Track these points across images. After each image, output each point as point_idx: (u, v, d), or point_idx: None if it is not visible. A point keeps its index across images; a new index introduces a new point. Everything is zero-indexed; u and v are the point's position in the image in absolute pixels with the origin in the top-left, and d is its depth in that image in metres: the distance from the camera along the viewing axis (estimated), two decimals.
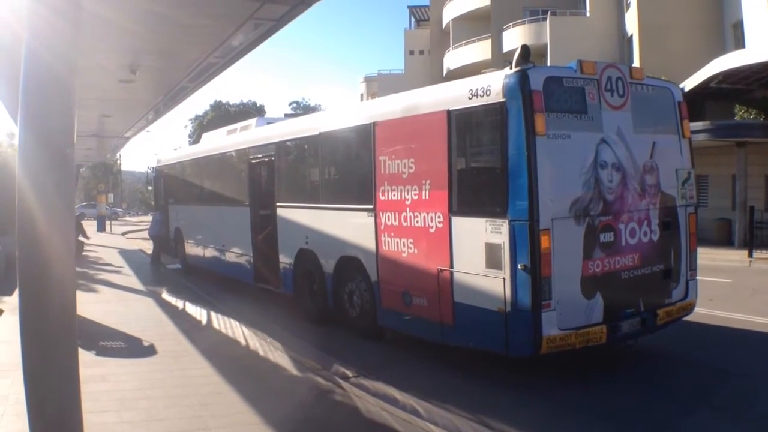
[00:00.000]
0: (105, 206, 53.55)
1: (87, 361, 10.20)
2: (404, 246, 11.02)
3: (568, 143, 9.20)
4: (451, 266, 9.98)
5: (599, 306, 9.42)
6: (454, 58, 54.66)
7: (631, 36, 41.09)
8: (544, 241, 8.80)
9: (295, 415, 7.98)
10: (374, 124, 11.75)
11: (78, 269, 21.56)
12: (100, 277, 20.86)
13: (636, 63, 39.19)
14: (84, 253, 27.83)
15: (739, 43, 35.95)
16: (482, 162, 10.18)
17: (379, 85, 68.01)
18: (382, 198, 11.47)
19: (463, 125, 9.98)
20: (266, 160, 16.20)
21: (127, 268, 23.53)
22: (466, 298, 9.76)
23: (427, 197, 10.49)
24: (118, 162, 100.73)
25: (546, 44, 44.56)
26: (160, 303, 15.97)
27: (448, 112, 10.00)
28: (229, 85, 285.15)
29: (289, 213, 14.96)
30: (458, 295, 9.90)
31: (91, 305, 15.21)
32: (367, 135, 11.90)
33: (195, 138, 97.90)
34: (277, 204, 15.41)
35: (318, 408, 8.28)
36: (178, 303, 15.93)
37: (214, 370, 9.88)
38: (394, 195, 11.20)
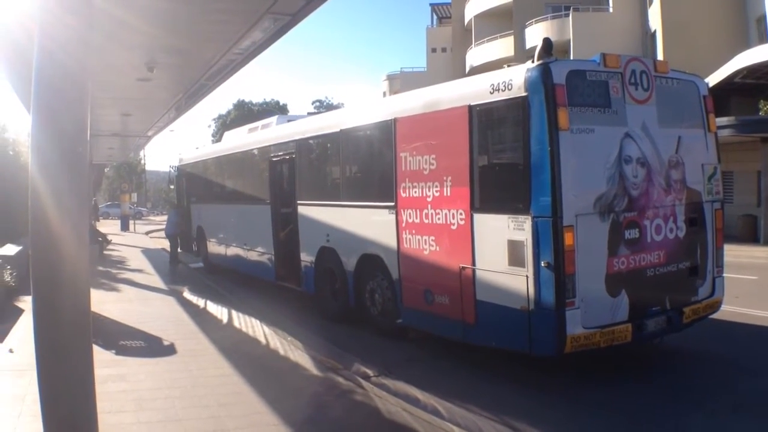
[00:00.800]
0: (129, 205, 53.77)
1: (106, 360, 10.21)
2: (426, 243, 10.86)
3: (592, 138, 9.03)
4: (473, 264, 9.81)
5: (624, 304, 9.23)
6: (477, 55, 54.42)
7: (655, 32, 40.66)
8: (568, 238, 8.62)
9: (314, 415, 7.88)
10: (395, 120, 11.60)
11: (100, 268, 21.76)
12: (122, 276, 20.85)
13: (660, 58, 38.83)
14: (106, 252, 27.91)
15: (763, 38, 35.57)
16: (504, 158, 10.00)
17: (401, 83, 67.84)
18: (404, 195, 11.34)
19: (484, 120, 9.81)
20: (287, 158, 16.12)
21: (149, 267, 23.51)
22: (488, 297, 9.60)
23: (448, 194, 10.32)
24: (142, 162, 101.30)
25: (569, 40, 44.25)
26: (182, 302, 15.91)
27: (470, 107, 9.83)
28: (252, 85, 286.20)
29: (310, 211, 14.90)
30: (480, 294, 9.74)
31: (112, 304, 15.20)
32: (387, 131, 11.78)
33: (218, 137, 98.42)
34: (298, 202, 15.35)
35: (338, 408, 8.16)
36: (200, 302, 15.87)
37: (233, 369, 9.79)
38: (415, 192, 11.06)
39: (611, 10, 45.25)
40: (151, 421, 7.58)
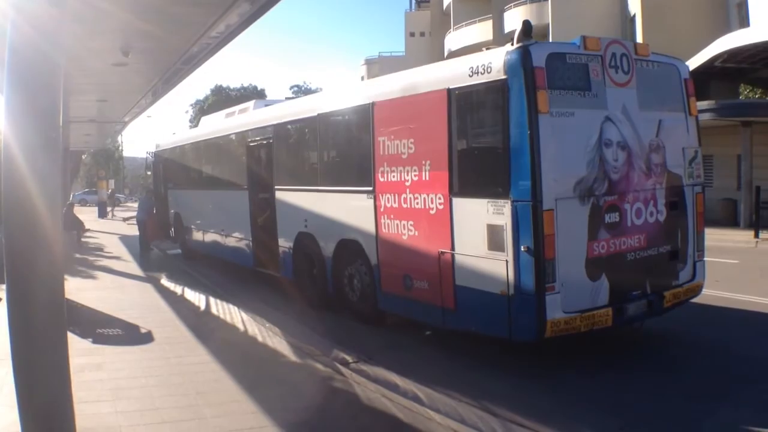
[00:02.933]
0: (106, 192, 53.31)
1: (83, 348, 10.10)
2: (404, 228, 10.80)
3: (572, 121, 8.95)
4: (453, 248, 9.76)
5: (605, 288, 9.19)
6: (456, 39, 54.34)
7: (634, 15, 40.67)
8: (548, 222, 8.56)
9: (293, 403, 7.80)
10: (373, 104, 11.49)
11: (77, 256, 21.65)
12: (99, 263, 20.71)
13: (640, 42, 38.80)
14: (83, 240, 27.67)
15: (744, 22, 35.69)
16: (484, 141, 9.90)
17: (380, 68, 67.77)
18: (382, 179, 11.24)
19: (463, 104, 9.72)
20: (264, 143, 15.99)
21: (126, 254, 23.40)
22: (467, 282, 9.53)
23: (427, 178, 10.24)
24: (120, 148, 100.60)
25: (548, 25, 44.23)
26: (159, 289, 15.80)
27: (449, 90, 9.74)
28: (230, 70, 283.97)
29: (288, 196, 14.75)
30: (460, 278, 9.67)
31: (89, 292, 15.08)
32: (365, 115, 11.66)
33: (195, 123, 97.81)
34: (276, 187, 15.18)
35: (317, 395, 8.08)
36: (177, 289, 15.77)
37: (211, 357, 9.69)
38: (393, 176, 10.97)
39: None
40: (128, 411, 7.48)
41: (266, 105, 17.39)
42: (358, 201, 11.87)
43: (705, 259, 10.86)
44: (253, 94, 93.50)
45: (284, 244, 14.94)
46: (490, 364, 9.60)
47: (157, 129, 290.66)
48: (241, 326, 11.80)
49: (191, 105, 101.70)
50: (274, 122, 15.42)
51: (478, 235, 9.24)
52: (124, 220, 45.38)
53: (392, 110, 11.13)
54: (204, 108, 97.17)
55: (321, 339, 10.81)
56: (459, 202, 9.67)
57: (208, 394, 8.01)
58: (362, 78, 72.59)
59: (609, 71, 9.38)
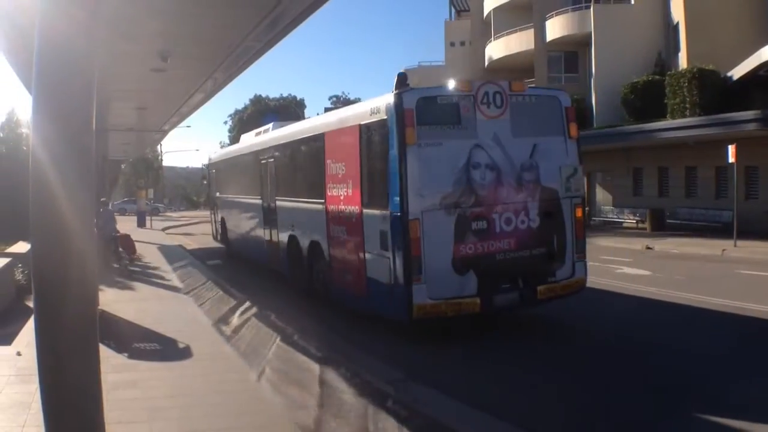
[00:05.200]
0: (145, 201, 53.37)
1: (118, 364, 9.79)
2: (341, 233, 13.63)
3: (440, 149, 11.41)
4: (364, 249, 12.50)
5: (473, 281, 11.47)
6: (496, 48, 53.73)
7: (677, 24, 39.84)
8: (413, 229, 11.12)
9: (340, 426, 7.35)
10: (324, 134, 14.52)
11: (116, 266, 21.31)
12: (137, 274, 20.44)
13: (682, 51, 38.31)
14: (121, 250, 27.46)
15: None
16: (377, 166, 12.23)
17: (419, 78, 67.12)
18: (329, 194, 14.10)
19: (366, 136, 12.52)
20: (269, 160, 19.21)
21: (165, 265, 23.08)
22: (372, 274, 12.27)
23: (350, 194, 13.07)
24: (160, 158, 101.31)
25: (590, 33, 43.57)
26: (198, 301, 15.43)
27: (360, 125, 12.63)
28: (269, 80, 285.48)
29: (283, 205, 17.84)
30: (369, 272, 12.41)
31: (126, 304, 14.84)
32: (321, 142, 14.60)
33: (234, 133, 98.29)
34: (276, 198, 18.39)
35: (364, 418, 7.62)
36: (215, 301, 15.37)
37: (252, 374, 9.29)
38: (334, 191, 13.83)
39: (633, 2, 44.40)
40: None
41: (281, 126, 19.67)
42: (318, 210, 14.69)
43: (586, 260, 12.88)
44: (292, 104, 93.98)
45: (282, 244, 17.81)
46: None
47: (196, 139, 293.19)
48: (280, 340, 11.38)
49: (230, 115, 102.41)
50: (273, 144, 19.05)
51: (376, 239, 12.02)
52: (164, 230, 45.41)
53: (333, 139, 14.08)
54: (243, 118, 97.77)
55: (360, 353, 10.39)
56: (366, 213, 12.46)
57: (250, 415, 7.59)
58: None
59: (481, 107, 11.69)
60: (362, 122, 12.49)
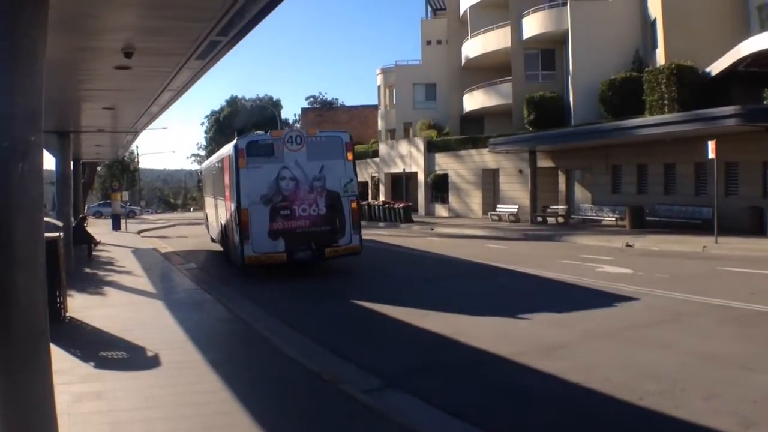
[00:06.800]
0: (120, 204, 52.58)
1: (83, 374, 9.42)
2: (229, 217, 21.94)
3: (260, 169, 19.90)
4: (233, 224, 20.85)
5: (282, 244, 19.90)
6: (473, 46, 53.56)
7: (655, 20, 39.76)
8: (244, 214, 19.73)
9: None
10: (224, 157, 23.40)
11: (87, 270, 21.01)
12: (109, 278, 20.00)
13: (660, 47, 38.28)
14: (95, 253, 27.01)
15: (765, 25, 35.14)
16: (232, 178, 20.71)
17: (396, 76, 66.82)
18: (225, 193, 22.89)
19: (228, 162, 21.63)
20: (214, 171, 28.42)
21: (138, 269, 22.58)
22: (233, 239, 21.27)
23: (228, 193, 21.96)
24: (136, 160, 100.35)
25: (567, 30, 43.45)
26: (171, 306, 14.94)
27: (227, 156, 21.94)
28: (245, 81, 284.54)
29: (217, 202, 26.69)
30: (232, 238, 21.56)
31: (95, 310, 14.40)
32: (225, 162, 23.01)
33: (211, 134, 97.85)
34: (216, 197, 27.35)
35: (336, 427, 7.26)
36: (188, 305, 14.96)
37: (223, 384, 8.85)
38: (225, 192, 22.90)
39: None
40: None
41: (249, 141, 21.53)
42: (223, 205, 24.12)
43: (361, 234, 21.30)
44: (269, 104, 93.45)
45: (219, 228, 26.49)
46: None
47: (173, 141, 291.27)
48: (257, 347, 10.99)
49: (206, 116, 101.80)
50: (214, 159, 29.91)
51: (233, 219, 20.70)
52: (139, 232, 44.81)
53: (224, 161, 23.26)
54: (219, 119, 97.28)
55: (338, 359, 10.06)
56: (228, 205, 21.82)
57: (218, 429, 7.18)
58: (378, 87, 71.59)
59: (287, 144, 20.17)
60: (227, 154, 22.32)
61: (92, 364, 9.97)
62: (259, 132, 24.74)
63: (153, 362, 10.16)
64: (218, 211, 25.85)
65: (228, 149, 21.98)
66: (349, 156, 20.77)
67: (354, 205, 20.67)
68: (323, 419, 7.57)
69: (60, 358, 10.19)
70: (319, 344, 11.70)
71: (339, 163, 20.52)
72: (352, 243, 20.60)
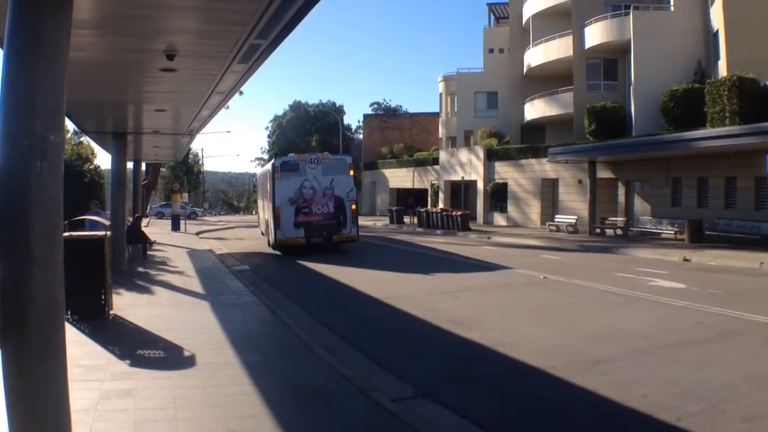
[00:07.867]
0: (180, 205, 53.27)
1: (117, 372, 9.49)
2: (269, 213, 31.59)
3: (289, 181, 29.69)
4: (273, 220, 30.24)
5: (302, 232, 29.53)
6: (535, 55, 53.20)
7: (717, 31, 39.05)
8: (277, 211, 29.62)
9: None
10: (272, 168, 31.40)
11: (140, 269, 21.26)
12: (159, 278, 20.23)
13: (722, 59, 37.71)
14: (150, 253, 27.45)
15: None
16: (273, 186, 30.32)
17: (457, 84, 66.71)
18: (267, 196, 32.65)
19: (269, 175, 32.04)
20: (263, 180, 38.45)
21: (190, 270, 22.78)
22: (271, 228, 30.96)
23: (270, 198, 31.30)
24: (200, 162, 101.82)
25: (629, 40, 42.89)
26: (215, 307, 15.03)
27: (269, 170, 32.61)
28: (309, 86, 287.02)
29: (264, 203, 36.35)
30: (271, 227, 31.13)
31: (141, 308, 14.57)
32: (269, 174, 31.96)
33: (274, 139, 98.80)
34: (265, 201, 35.48)
35: None
36: (233, 307, 15.03)
37: (253, 387, 8.86)
38: (268, 195, 32.56)
39: (672, 8, 43.73)
40: None
41: (283, 161, 31.49)
42: (266, 205, 34.44)
43: (359, 226, 31.33)
44: (331, 110, 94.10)
45: (265, 221, 35.89)
46: None
47: (236, 145, 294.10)
48: (293, 351, 10.99)
49: (270, 121, 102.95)
50: (260, 172, 45.79)
51: (272, 214, 30.69)
52: (198, 234, 45.35)
53: (266, 174, 34.81)
54: (282, 124, 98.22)
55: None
56: (268, 205, 32.04)
57: None
58: (440, 94, 71.62)
59: (308, 164, 30.09)
60: (269, 170, 32.19)
61: (128, 362, 10.06)
62: (291, 154, 33.97)
63: (188, 362, 10.22)
64: (264, 210, 36.44)
65: (269, 166, 33.41)
66: (351, 173, 30.95)
67: (353, 206, 30.62)
68: (349, 426, 7.53)
69: (97, 355, 10.38)
70: (358, 350, 11.73)
71: (344, 177, 30.47)
72: (351, 233, 30.55)
